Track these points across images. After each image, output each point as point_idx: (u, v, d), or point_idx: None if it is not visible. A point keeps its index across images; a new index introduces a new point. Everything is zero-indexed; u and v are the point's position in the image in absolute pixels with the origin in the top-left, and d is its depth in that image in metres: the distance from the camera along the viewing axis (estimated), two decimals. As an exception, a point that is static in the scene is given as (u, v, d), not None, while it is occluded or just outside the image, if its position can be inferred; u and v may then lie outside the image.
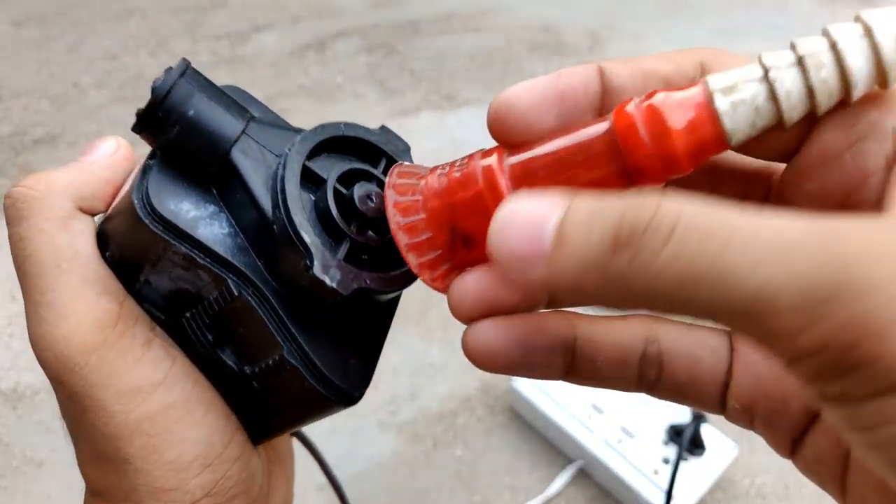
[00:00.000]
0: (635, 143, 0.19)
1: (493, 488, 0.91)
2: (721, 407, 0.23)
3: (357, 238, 0.25)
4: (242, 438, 0.27)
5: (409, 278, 0.26)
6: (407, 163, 0.28)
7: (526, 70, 1.65)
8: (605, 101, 0.22)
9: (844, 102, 0.19)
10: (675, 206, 0.15)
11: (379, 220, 0.25)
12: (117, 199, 0.28)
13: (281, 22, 1.80)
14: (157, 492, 0.25)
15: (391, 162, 0.28)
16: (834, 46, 0.19)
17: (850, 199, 0.19)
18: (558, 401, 0.93)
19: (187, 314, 0.26)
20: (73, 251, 0.25)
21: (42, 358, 0.25)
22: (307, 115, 1.50)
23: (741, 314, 0.14)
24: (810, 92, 0.19)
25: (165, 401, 0.25)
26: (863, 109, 0.19)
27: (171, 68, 0.26)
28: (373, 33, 1.77)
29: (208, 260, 0.25)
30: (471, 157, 0.23)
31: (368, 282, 0.24)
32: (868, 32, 0.18)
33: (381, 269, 0.26)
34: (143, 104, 0.26)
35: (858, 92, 0.18)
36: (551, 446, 0.95)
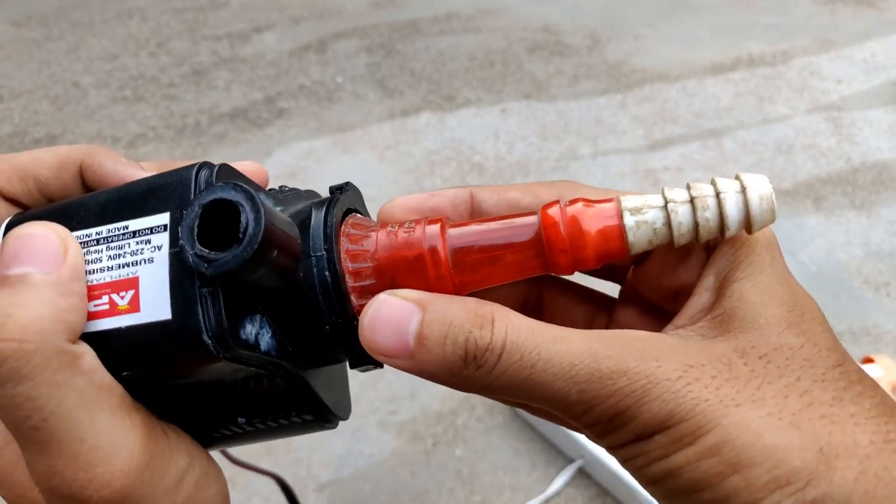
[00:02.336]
0: (556, 239, 0.24)
1: (493, 488, 0.91)
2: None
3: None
4: (224, 479, 0.29)
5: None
6: (359, 216, 0.30)
7: (526, 70, 1.66)
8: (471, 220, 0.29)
9: (718, 239, 0.25)
10: (501, 333, 0.22)
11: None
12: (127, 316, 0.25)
13: (281, 22, 1.80)
14: None
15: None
16: (718, 195, 0.23)
17: (678, 293, 0.27)
18: (558, 401, 0.93)
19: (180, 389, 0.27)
20: (94, 388, 0.23)
21: (96, 502, 0.23)
22: (307, 116, 1.50)
23: (551, 405, 0.22)
24: (696, 226, 0.24)
25: (195, 478, 0.26)
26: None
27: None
28: (373, 33, 1.77)
29: (269, 368, 0.27)
30: (417, 222, 0.26)
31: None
32: (743, 190, 0.23)
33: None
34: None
35: (731, 232, 0.24)
36: (551, 446, 0.95)
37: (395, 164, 1.39)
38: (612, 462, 0.87)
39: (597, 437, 0.23)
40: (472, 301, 0.23)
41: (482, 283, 0.25)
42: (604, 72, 1.66)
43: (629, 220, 0.24)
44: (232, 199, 0.23)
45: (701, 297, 0.25)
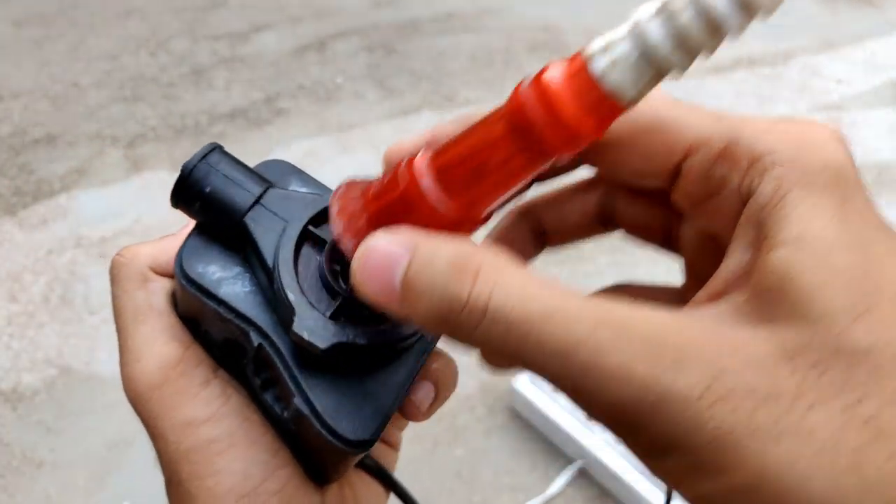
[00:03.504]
0: (531, 118, 0.20)
1: (493, 488, 0.91)
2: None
3: (351, 295, 0.27)
4: (287, 474, 0.30)
5: (403, 334, 0.28)
6: (356, 177, 0.30)
7: (526, 70, 1.66)
8: None
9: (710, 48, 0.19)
10: (483, 291, 0.19)
11: None
12: None
13: (281, 22, 1.80)
14: None
15: None
16: None
17: (715, 246, 0.22)
18: (558, 401, 0.93)
19: (244, 360, 0.30)
20: (148, 305, 0.30)
21: (126, 393, 0.30)
22: (307, 115, 1.50)
23: (551, 382, 0.19)
24: (680, 40, 0.19)
25: (210, 435, 0.29)
26: (715, 165, 0.22)
27: (199, 151, 0.30)
28: (373, 33, 1.77)
29: (232, 315, 0.28)
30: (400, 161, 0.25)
31: (351, 336, 0.27)
32: None
33: (376, 324, 0.28)
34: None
35: (729, 25, 0.18)
36: (551, 446, 0.95)
37: (395, 164, 1.39)
38: (612, 462, 0.87)
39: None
40: (467, 246, 0.20)
41: (485, 200, 0.22)
42: (604, 72, 1.66)
43: (599, 64, 0.19)
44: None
45: (735, 257, 0.20)
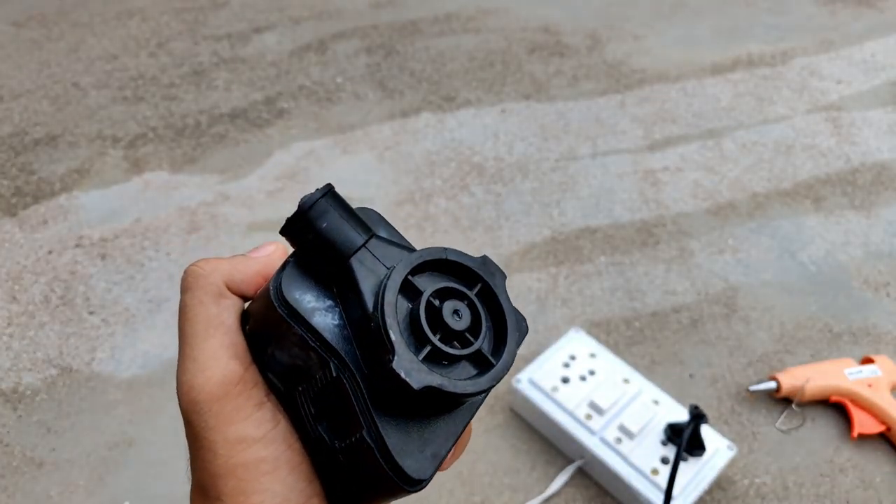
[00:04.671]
0: None
1: (493, 488, 0.91)
2: None
3: (439, 345, 0.30)
4: (318, 503, 0.32)
5: (481, 386, 0.30)
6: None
7: (526, 71, 1.66)
8: None
9: None
10: None
11: (463, 332, 0.31)
12: (263, 287, 0.35)
13: (281, 22, 1.80)
14: None
15: (486, 286, 0.33)
16: None
17: None
18: (558, 400, 0.93)
19: (300, 388, 0.32)
20: (219, 321, 0.32)
21: (180, 399, 0.31)
22: (307, 116, 1.50)
23: None
24: None
25: (259, 455, 0.30)
26: None
27: (318, 189, 0.32)
28: (373, 34, 1.77)
29: (317, 343, 0.30)
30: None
31: (439, 382, 0.29)
32: None
33: (458, 374, 0.30)
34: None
35: None
36: (551, 446, 0.95)
37: (395, 165, 1.39)
38: (612, 462, 0.87)
39: None
40: None
41: None
42: (603, 72, 1.66)
43: None
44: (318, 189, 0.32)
45: None
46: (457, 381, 0.29)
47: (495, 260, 1.20)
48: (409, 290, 0.31)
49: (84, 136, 1.43)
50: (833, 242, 1.27)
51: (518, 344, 0.32)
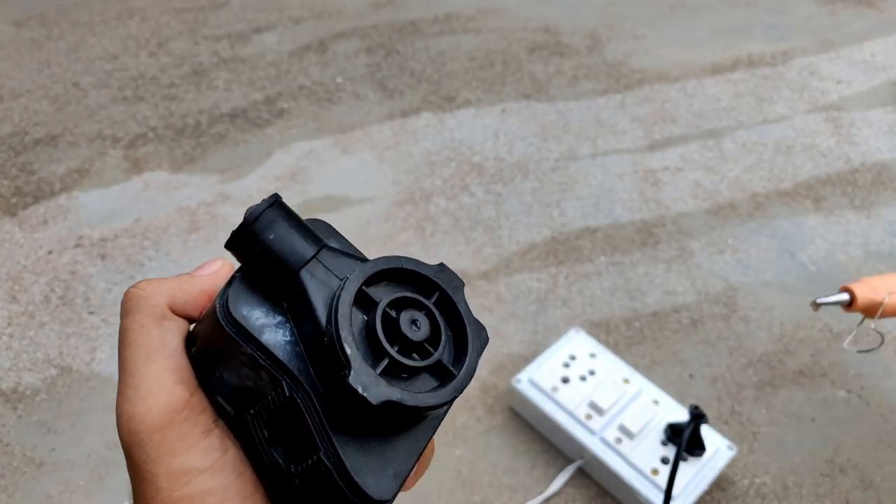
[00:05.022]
0: None
1: (493, 488, 0.91)
2: None
3: (398, 357, 0.28)
4: None
5: (443, 398, 0.29)
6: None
7: (525, 70, 1.66)
8: None
9: None
10: None
11: (422, 343, 0.29)
12: (209, 306, 0.33)
13: (281, 22, 1.80)
14: None
15: (444, 294, 0.31)
16: None
17: None
18: (558, 400, 0.93)
19: (251, 411, 0.30)
20: (162, 344, 0.30)
21: (120, 429, 0.29)
22: (307, 116, 1.50)
23: None
24: None
25: (206, 486, 0.28)
26: None
27: (264, 200, 0.31)
28: (373, 34, 1.77)
29: (268, 362, 0.29)
30: None
31: (399, 396, 0.27)
32: None
33: (418, 387, 0.29)
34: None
35: None
36: (551, 446, 0.95)
37: (394, 165, 1.39)
38: (612, 462, 0.87)
39: None
40: None
41: None
42: (603, 72, 1.66)
43: None
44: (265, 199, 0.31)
45: None
46: (417, 394, 0.28)
47: (495, 260, 1.20)
48: (364, 302, 0.29)
49: (84, 136, 1.43)
50: (833, 242, 1.27)
51: (479, 353, 0.31)
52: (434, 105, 1.54)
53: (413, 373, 0.29)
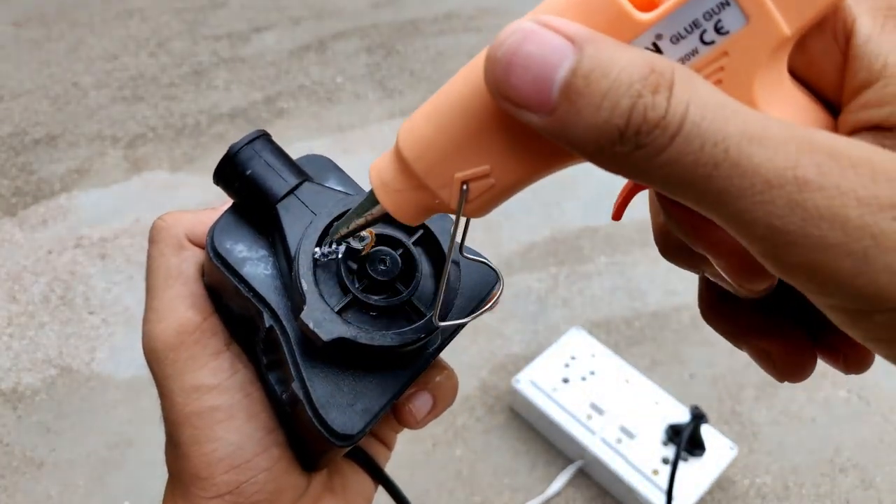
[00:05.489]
0: None
1: (493, 488, 0.91)
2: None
3: (360, 295, 0.29)
4: (278, 453, 0.31)
5: (400, 340, 0.28)
6: None
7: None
8: None
9: None
10: (681, 105, 0.16)
11: (391, 282, 0.29)
12: None
13: (281, 22, 1.80)
14: (194, 478, 0.29)
15: (427, 232, 0.31)
16: None
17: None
18: (558, 401, 0.93)
19: (255, 338, 0.31)
20: (178, 271, 0.32)
21: (144, 348, 0.31)
22: (307, 116, 1.50)
23: (726, 222, 0.16)
24: None
25: (213, 403, 0.30)
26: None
27: (248, 135, 0.31)
28: (373, 33, 1.77)
29: (250, 294, 0.29)
30: None
31: (352, 334, 0.27)
32: None
33: (394, 327, 0.29)
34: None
35: None
36: (551, 446, 0.95)
37: (394, 165, 1.38)
38: (612, 462, 0.87)
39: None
40: (650, 53, 0.17)
41: None
42: (604, 72, 1.66)
43: None
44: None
45: (857, 76, 0.18)
46: (373, 333, 0.28)
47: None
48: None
49: (84, 136, 1.43)
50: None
51: (478, 300, 0.30)
52: (434, 105, 1.54)
53: (387, 312, 0.29)
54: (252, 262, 0.30)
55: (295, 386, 0.28)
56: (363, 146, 1.43)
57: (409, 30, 1.79)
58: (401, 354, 0.29)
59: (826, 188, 0.15)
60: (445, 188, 0.21)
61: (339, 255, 0.29)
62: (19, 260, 1.19)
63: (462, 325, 0.29)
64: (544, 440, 0.95)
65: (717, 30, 0.17)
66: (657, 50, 0.18)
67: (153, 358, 0.31)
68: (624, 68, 0.16)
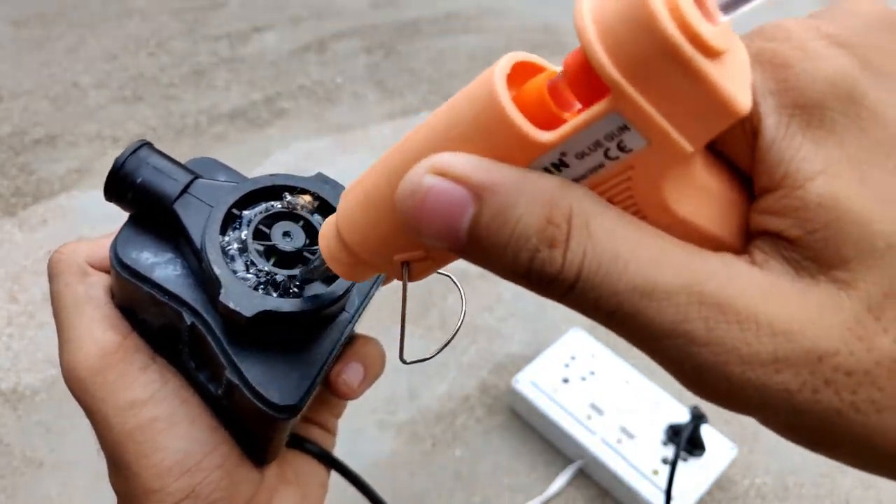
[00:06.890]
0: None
1: (493, 489, 0.91)
2: None
3: (271, 269, 0.30)
4: (227, 449, 0.31)
5: (317, 304, 0.30)
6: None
7: (526, 70, 1.65)
8: None
9: None
10: (576, 256, 0.17)
11: (301, 252, 0.30)
12: None
13: (281, 22, 1.80)
14: (147, 493, 0.30)
15: (325, 204, 0.32)
16: None
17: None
18: (558, 401, 0.93)
19: (179, 345, 0.31)
20: (87, 297, 0.32)
21: (66, 382, 0.31)
22: (307, 116, 1.50)
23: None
24: None
25: (152, 414, 0.30)
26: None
27: (128, 147, 0.32)
28: (373, 34, 1.77)
29: (165, 297, 0.30)
30: None
31: (273, 306, 0.28)
32: None
33: (298, 295, 0.30)
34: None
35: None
36: (551, 446, 0.95)
37: (394, 165, 1.38)
38: (612, 462, 0.87)
39: None
40: (550, 189, 0.17)
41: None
42: (604, 72, 1.66)
43: None
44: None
45: (761, 179, 0.18)
46: (294, 301, 0.29)
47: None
48: (239, 223, 0.31)
49: (84, 136, 1.43)
50: (833, 242, 1.27)
51: None
52: (434, 105, 1.54)
53: (305, 282, 0.30)
54: (161, 266, 0.31)
55: (228, 373, 0.29)
56: (363, 146, 1.43)
57: (409, 30, 1.79)
58: (324, 319, 0.30)
59: (712, 344, 0.16)
60: (388, 265, 0.22)
61: (244, 237, 0.30)
62: (19, 260, 1.19)
63: (376, 287, 0.32)
64: (544, 440, 0.95)
65: (621, 148, 0.17)
66: (563, 164, 0.18)
67: (79, 387, 0.31)
68: (521, 218, 0.17)
